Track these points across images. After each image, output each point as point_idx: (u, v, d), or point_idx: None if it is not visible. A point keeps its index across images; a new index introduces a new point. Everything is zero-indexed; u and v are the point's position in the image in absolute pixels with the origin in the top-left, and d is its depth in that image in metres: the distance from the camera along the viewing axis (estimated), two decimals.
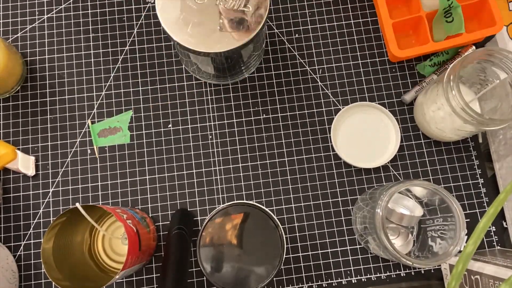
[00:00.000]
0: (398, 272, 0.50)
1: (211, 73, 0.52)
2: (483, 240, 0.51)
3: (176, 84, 0.55)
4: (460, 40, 0.51)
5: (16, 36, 0.56)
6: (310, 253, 0.51)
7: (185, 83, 0.55)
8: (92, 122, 0.54)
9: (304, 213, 0.52)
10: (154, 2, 0.57)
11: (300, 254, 0.51)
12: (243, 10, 0.43)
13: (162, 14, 0.43)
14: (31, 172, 0.51)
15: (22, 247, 0.50)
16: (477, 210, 0.52)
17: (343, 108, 0.53)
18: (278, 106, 0.54)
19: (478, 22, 0.54)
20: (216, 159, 0.53)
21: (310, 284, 0.50)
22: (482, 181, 0.53)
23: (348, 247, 0.51)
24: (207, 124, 0.54)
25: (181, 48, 0.43)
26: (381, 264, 0.51)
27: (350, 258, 0.51)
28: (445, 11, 0.50)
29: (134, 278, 0.50)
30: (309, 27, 0.57)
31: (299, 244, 0.51)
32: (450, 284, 0.38)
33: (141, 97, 0.55)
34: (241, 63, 0.50)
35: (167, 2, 0.43)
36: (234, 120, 0.54)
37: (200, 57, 0.47)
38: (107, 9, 0.57)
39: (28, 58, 0.55)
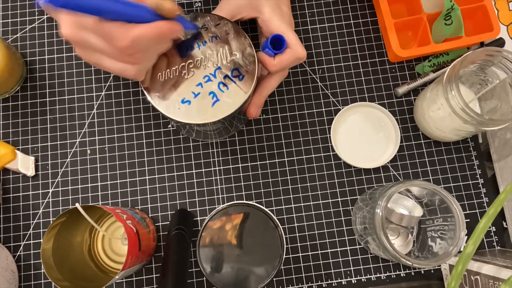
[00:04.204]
0: (398, 272, 0.50)
1: (215, 130, 0.50)
2: (483, 240, 0.51)
3: None
4: (459, 43, 0.51)
5: (16, 36, 0.56)
6: (310, 253, 0.51)
7: None
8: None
9: (304, 214, 0.52)
10: None
11: (300, 254, 0.51)
12: (232, 59, 0.41)
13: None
14: (30, 172, 0.51)
15: (21, 247, 0.50)
16: (477, 210, 0.52)
17: (343, 108, 0.53)
18: (278, 106, 0.54)
19: (474, 27, 0.54)
20: (216, 159, 0.53)
21: (310, 285, 0.50)
22: (482, 181, 0.53)
23: (348, 248, 0.51)
24: None
25: (185, 124, 0.42)
26: (381, 264, 0.51)
27: (350, 258, 0.51)
28: (446, 13, 0.51)
29: (134, 278, 0.50)
30: (309, 27, 0.57)
31: (299, 244, 0.51)
32: (450, 284, 0.38)
33: (141, 97, 0.54)
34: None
35: None
36: None
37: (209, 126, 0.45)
38: None
39: (28, 58, 0.55)
